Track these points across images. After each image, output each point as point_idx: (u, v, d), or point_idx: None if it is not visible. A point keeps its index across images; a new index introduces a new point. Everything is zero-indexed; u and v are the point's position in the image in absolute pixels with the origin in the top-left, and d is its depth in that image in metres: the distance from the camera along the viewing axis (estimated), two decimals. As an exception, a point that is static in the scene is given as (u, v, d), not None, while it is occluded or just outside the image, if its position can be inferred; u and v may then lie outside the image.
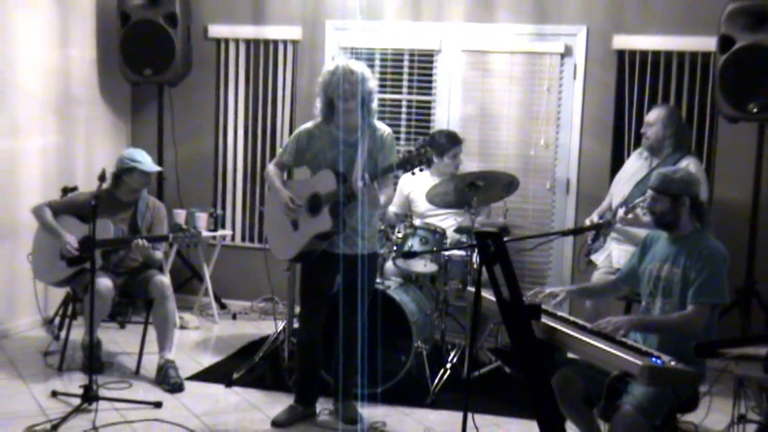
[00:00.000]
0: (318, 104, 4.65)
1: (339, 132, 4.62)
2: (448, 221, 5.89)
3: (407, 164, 4.55)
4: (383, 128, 4.73)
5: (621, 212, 5.29)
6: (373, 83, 4.62)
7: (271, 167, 4.88)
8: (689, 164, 5.42)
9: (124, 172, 5.48)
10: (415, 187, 5.96)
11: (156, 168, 5.70)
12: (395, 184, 5.64)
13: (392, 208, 5.96)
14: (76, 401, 4.78)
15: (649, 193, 4.03)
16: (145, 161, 5.51)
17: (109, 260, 5.47)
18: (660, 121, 5.46)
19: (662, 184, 3.98)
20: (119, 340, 6.22)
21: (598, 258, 5.63)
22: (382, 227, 5.43)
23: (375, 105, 4.66)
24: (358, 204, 4.61)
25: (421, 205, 5.96)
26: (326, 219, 4.60)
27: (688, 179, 4.02)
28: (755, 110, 5.58)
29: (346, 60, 4.63)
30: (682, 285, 3.87)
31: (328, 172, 4.62)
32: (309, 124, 4.78)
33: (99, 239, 5.13)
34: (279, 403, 4.99)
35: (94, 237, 4.87)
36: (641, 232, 5.38)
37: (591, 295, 4.72)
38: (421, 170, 4.63)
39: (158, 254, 5.57)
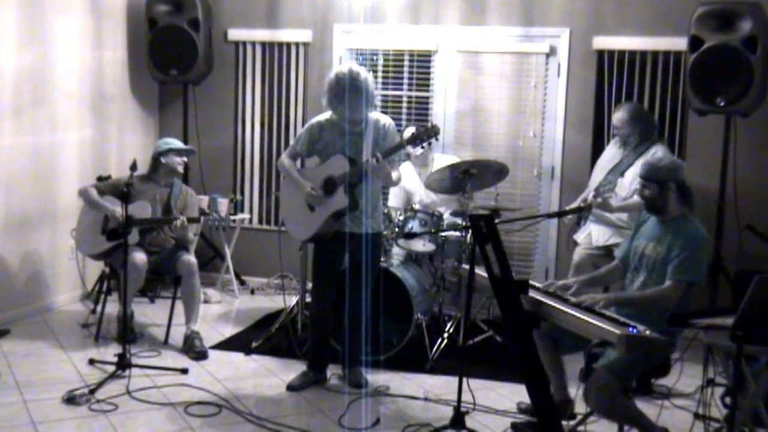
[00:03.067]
0: (326, 100, 4.65)
1: (346, 124, 4.62)
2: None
3: (417, 140, 4.61)
4: (385, 119, 4.75)
5: (590, 196, 5.28)
6: (373, 84, 4.63)
7: (285, 159, 4.86)
8: (657, 152, 5.40)
9: (162, 154, 5.55)
10: (407, 182, 5.92)
11: (187, 146, 5.80)
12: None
13: (395, 202, 5.94)
14: (111, 368, 4.78)
15: (639, 180, 4.02)
16: (177, 142, 5.69)
17: (145, 238, 5.49)
18: (626, 122, 5.42)
19: (649, 171, 3.97)
20: (149, 314, 6.21)
21: (579, 237, 5.63)
22: (386, 211, 5.42)
23: (376, 101, 4.69)
24: (368, 184, 4.64)
25: (418, 196, 5.94)
26: (342, 198, 4.60)
27: (672, 166, 4.01)
28: (722, 104, 5.54)
29: (351, 65, 4.64)
30: (663, 263, 3.85)
31: (341, 157, 4.64)
32: (320, 117, 4.78)
33: (139, 218, 5.20)
34: (293, 370, 4.99)
35: (127, 216, 4.87)
36: (612, 216, 5.39)
37: (599, 283, 4.44)
38: (429, 144, 4.68)
39: (191, 235, 5.59)
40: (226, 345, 5.55)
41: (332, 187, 4.65)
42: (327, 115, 4.74)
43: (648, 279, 3.91)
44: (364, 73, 4.58)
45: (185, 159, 5.71)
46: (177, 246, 5.59)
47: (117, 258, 5.38)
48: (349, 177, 4.59)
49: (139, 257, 5.30)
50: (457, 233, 5.50)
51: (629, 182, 5.34)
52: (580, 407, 3.89)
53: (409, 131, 5.42)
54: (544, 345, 3.99)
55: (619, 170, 5.42)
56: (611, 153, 5.60)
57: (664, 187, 3.91)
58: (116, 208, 5.37)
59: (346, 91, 4.50)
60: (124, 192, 4.83)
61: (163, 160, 5.55)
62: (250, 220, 7.34)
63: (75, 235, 5.72)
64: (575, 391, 3.90)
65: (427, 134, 4.58)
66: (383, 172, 4.58)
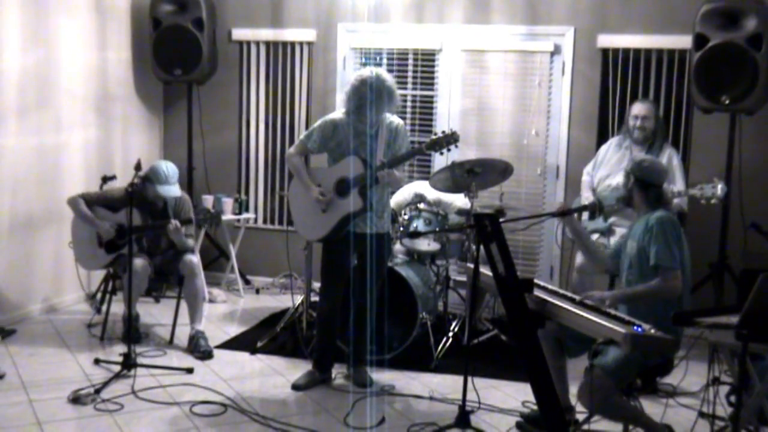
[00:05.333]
0: (344, 100, 4.67)
1: (362, 125, 4.63)
2: None
3: (436, 146, 4.61)
4: (397, 120, 4.77)
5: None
6: (397, 91, 4.64)
7: (295, 157, 4.82)
8: (670, 153, 5.41)
9: (147, 179, 5.41)
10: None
11: (172, 192, 5.42)
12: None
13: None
14: (117, 368, 4.80)
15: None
16: (166, 183, 5.36)
17: (141, 245, 5.49)
18: (653, 115, 5.43)
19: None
20: (155, 314, 6.23)
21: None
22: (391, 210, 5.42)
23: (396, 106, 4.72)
24: (380, 187, 4.66)
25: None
26: (357, 200, 4.61)
27: (634, 161, 4.12)
28: (727, 102, 5.54)
29: (376, 69, 4.64)
30: (638, 256, 3.88)
31: (355, 159, 4.63)
32: (333, 115, 4.77)
33: (134, 225, 5.14)
34: (298, 369, 5.00)
35: (131, 222, 4.87)
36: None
37: (591, 253, 4.37)
38: (448, 150, 4.66)
39: (190, 241, 5.55)
40: (231, 344, 5.56)
41: (346, 188, 4.64)
42: (340, 114, 4.75)
43: (629, 275, 3.95)
44: (390, 79, 4.61)
45: (163, 200, 5.51)
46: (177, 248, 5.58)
47: (119, 265, 5.41)
48: (365, 180, 4.59)
49: (140, 263, 5.30)
50: (460, 232, 5.51)
51: None
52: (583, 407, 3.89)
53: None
54: (548, 349, 3.99)
55: None
56: (617, 154, 5.55)
57: (627, 179, 4.04)
58: (104, 223, 5.40)
59: (372, 95, 4.52)
60: (131, 193, 4.83)
61: (147, 184, 5.41)
62: (255, 220, 7.36)
63: (73, 247, 5.66)
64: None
65: (446, 140, 4.59)
66: (396, 179, 4.66)
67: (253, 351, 5.38)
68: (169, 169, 5.43)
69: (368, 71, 4.63)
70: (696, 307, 3.93)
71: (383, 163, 4.56)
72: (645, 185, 3.98)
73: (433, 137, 4.63)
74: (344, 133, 4.69)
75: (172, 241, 5.51)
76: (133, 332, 5.23)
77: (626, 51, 6.33)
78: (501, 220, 3.73)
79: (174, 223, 5.29)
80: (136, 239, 5.39)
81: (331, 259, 4.80)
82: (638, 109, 5.51)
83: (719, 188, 4.91)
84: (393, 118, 4.75)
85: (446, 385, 4.87)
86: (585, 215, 5.58)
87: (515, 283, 3.53)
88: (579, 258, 5.59)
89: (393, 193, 5.80)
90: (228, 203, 6.89)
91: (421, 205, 5.60)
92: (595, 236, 5.54)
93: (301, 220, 4.90)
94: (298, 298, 5.67)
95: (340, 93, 4.79)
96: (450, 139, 4.59)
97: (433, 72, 6.82)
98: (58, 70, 6.17)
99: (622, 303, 3.84)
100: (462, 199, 5.77)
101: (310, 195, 4.71)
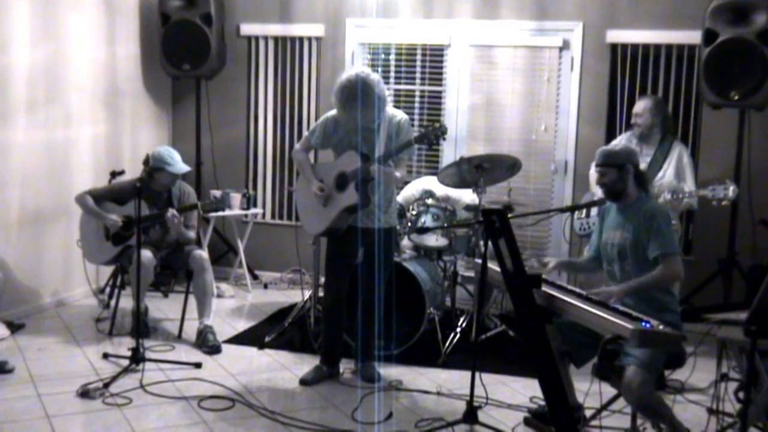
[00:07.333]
0: (335, 104, 4.64)
1: (364, 121, 4.62)
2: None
3: (425, 139, 4.60)
4: (400, 114, 4.74)
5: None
6: (383, 88, 4.59)
7: (300, 153, 4.88)
8: (680, 151, 5.39)
9: (155, 170, 5.43)
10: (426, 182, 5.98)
11: (184, 169, 5.49)
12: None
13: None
14: (125, 362, 4.81)
15: (597, 170, 4.05)
16: (175, 163, 5.42)
17: (148, 236, 5.50)
18: (648, 111, 5.43)
19: (607, 158, 4.02)
20: (163, 308, 6.25)
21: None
22: (399, 205, 5.42)
23: (387, 101, 4.66)
24: (378, 183, 4.64)
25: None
26: (353, 194, 4.61)
27: (628, 150, 4.11)
28: (736, 97, 5.53)
29: (360, 70, 4.61)
30: (634, 247, 3.88)
31: (353, 153, 4.64)
32: (335, 112, 4.77)
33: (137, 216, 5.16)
34: (306, 364, 5.00)
35: (139, 213, 4.88)
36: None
37: (575, 270, 4.70)
38: (437, 143, 4.67)
39: (190, 233, 5.55)
40: (240, 339, 5.57)
41: (344, 182, 4.66)
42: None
43: (625, 265, 3.94)
44: (372, 78, 4.53)
45: (177, 180, 5.57)
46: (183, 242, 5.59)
47: (126, 258, 5.43)
48: (361, 173, 4.59)
49: (145, 255, 5.28)
50: (466, 228, 5.51)
51: (672, 181, 5.30)
52: (593, 401, 3.88)
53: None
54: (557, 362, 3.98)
55: (650, 173, 5.32)
56: None
57: (623, 170, 3.97)
58: (111, 216, 5.42)
59: (357, 99, 4.49)
60: (139, 187, 4.85)
61: (155, 175, 5.43)
62: (263, 215, 7.37)
63: (81, 245, 5.70)
64: (587, 387, 3.89)
65: (434, 134, 4.57)
66: (385, 175, 4.60)
67: (261, 346, 5.39)
68: (170, 149, 5.50)
69: (351, 73, 4.58)
70: (704, 303, 3.92)
71: (379, 158, 4.54)
72: (636, 168, 4.00)
73: (422, 130, 4.64)
74: (345, 129, 4.70)
75: (178, 241, 5.52)
76: (141, 327, 5.25)
77: (635, 46, 6.32)
78: (509, 215, 3.73)
79: (171, 211, 5.29)
80: (142, 231, 5.40)
81: (334, 254, 4.82)
82: (635, 106, 5.56)
83: (731, 190, 4.90)
84: (396, 113, 4.73)
85: (454, 380, 4.87)
86: (594, 210, 5.59)
87: (523, 279, 3.52)
88: (586, 254, 5.57)
89: (401, 188, 5.81)
90: (236, 198, 6.90)
91: (429, 201, 5.60)
92: None
93: (305, 214, 4.93)
94: (306, 293, 5.68)
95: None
96: (438, 132, 4.58)
97: (441, 67, 6.82)
98: (66, 65, 6.18)
99: (629, 296, 3.83)
100: (470, 195, 5.76)
101: (311, 186, 4.74)
